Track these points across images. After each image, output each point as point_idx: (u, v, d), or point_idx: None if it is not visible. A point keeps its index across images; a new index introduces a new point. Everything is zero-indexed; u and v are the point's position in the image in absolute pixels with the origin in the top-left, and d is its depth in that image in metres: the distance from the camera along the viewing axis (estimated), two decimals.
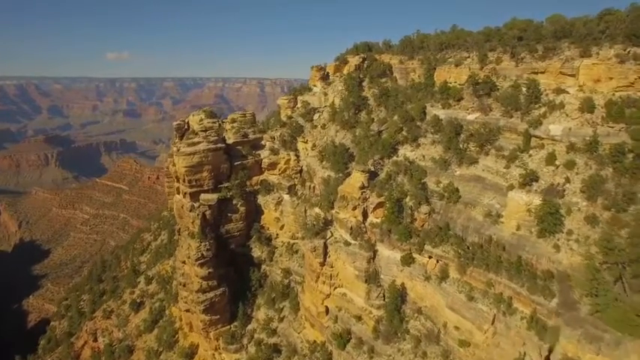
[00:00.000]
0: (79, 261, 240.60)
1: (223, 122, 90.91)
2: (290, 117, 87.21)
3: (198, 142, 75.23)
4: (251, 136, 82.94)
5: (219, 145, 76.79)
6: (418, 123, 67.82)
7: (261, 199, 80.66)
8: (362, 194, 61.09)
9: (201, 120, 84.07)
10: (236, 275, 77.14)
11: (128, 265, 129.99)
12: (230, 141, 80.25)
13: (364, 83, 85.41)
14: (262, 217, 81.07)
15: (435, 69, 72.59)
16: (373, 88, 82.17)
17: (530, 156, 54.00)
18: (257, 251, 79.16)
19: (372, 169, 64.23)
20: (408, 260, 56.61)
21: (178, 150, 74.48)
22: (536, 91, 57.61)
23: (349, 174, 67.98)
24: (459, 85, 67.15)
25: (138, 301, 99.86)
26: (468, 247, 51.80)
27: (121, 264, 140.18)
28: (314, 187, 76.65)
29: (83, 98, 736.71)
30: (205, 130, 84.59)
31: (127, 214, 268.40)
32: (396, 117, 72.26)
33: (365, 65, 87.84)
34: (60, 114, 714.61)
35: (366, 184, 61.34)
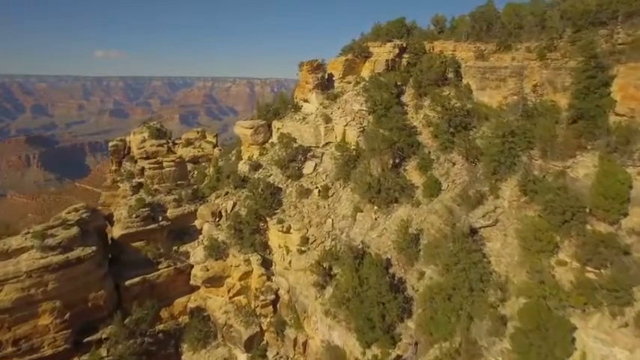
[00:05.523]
0: None
1: (176, 145, 53.10)
2: (257, 165, 40.39)
3: (21, 250, 28.43)
4: (171, 213, 36.13)
5: (82, 252, 30.02)
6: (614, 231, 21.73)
7: (187, 355, 34.29)
8: None
9: (143, 141, 42.10)
10: None
11: None
12: (117, 233, 33.49)
13: (404, 97, 39.52)
14: None
15: (604, 69, 26.82)
16: (427, 108, 36.48)
17: None
18: None
19: None
20: None
21: None
22: None
23: (399, 355, 22.37)
24: None
25: None
26: None
27: None
28: (304, 345, 30.66)
29: (69, 97, 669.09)
30: (147, 157, 40.01)
31: None
32: (512, 189, 26.55)
33: (404, 62, 41.62)
34: (44, 113, 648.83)
35: None
